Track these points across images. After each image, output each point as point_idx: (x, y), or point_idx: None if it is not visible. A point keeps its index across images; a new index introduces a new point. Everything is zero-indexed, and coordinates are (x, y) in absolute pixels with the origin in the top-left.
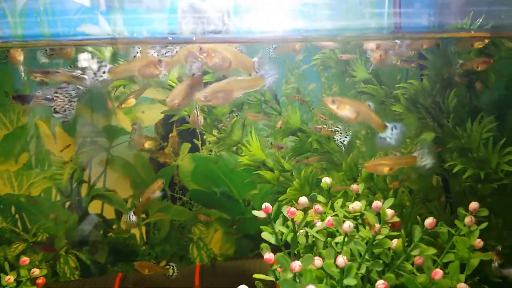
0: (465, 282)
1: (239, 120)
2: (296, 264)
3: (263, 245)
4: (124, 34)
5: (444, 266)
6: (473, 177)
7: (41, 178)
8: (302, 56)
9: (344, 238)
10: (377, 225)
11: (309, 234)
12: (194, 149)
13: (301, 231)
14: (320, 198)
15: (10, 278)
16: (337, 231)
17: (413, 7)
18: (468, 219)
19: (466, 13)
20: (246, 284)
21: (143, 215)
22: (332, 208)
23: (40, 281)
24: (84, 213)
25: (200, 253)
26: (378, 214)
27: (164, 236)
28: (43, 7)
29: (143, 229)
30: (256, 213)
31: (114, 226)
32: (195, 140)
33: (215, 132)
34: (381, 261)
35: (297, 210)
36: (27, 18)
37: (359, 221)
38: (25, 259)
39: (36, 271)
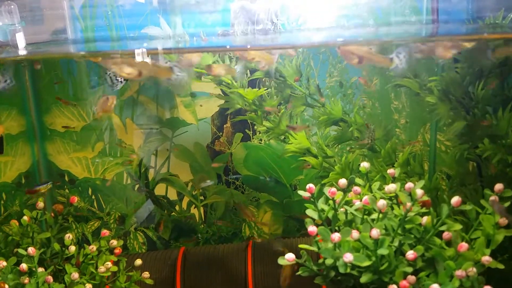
0: (493, 257)
1: (286, 111)
2: (336, 235)
3: (308, 219)
4: (184, 37)
5: (472, 242)
6: (502, 162)
7: (114, 164)
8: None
9: (378, 215)
10: (409, 204)
11: (348, 211)
12: (246, 138)
13: (341, 209)
14: (358, 180)
15: (93, 247)
16: (374, 209)
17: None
18: (492, 198)
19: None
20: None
21: (201, 197)
22: (370, 190)
23: (117, 251)
24: (150, 195)
25: (251, 232)
26: (410, 194)
27: (219, 216)
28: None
29: (201, 210)
30: (301, 193)
31: (177, 207)
32: (246, 130)
33: (265, 122)
34: (412, 236)
35: (337, 190)
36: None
37: (394, 201)
38: (105, 232)
39: (114, 242)
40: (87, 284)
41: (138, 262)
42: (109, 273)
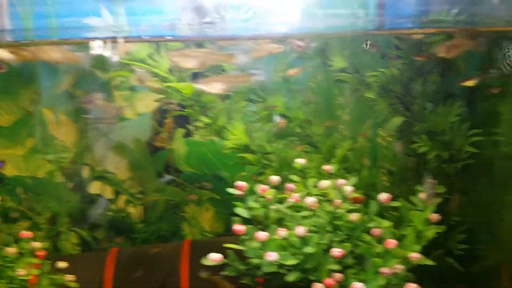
0: (427, 253)
1: (224, 107)
2: (261, 234)
3: (235, 218)
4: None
5: (403, 239)
6: (439, 158)
7: (46, 161)
8: (289, 48)
9: (307, 212)
10: (338, 200)
11: (277, 210)
12: (188, 134)
13: (274, 207)
14: (294, 177)
15: (13, 249)
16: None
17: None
18: (422, 195)
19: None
20: None
21: (140, 195)
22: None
23: (41, 253)
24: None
25: (192, 231)
26: (339, 192)
27: (159, 215)
28: None
29: (140, 208)
30: (231, 190)
31: (113, 206)
32: (188, 126)
33: (203, 118)
34: (342, 233)
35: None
36: None
37: (327, 197)
38: (26, 233)
39: (35, 244)
40: None
41: (62, 264)
42: (31, 277)
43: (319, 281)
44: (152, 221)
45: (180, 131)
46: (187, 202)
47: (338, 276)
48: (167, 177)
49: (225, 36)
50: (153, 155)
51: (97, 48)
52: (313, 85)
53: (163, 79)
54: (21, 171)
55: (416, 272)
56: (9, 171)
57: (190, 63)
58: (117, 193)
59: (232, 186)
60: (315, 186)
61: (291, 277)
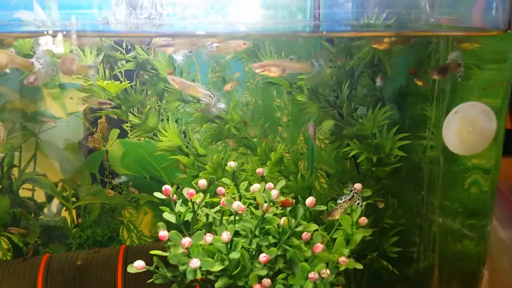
0: (362, 255)
1: (154, 107)
2: (186, 240)
3: (160, 223)
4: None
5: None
6: (368, 161)
7: None
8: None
9: (234, 216)
10: (265, 204)
11: (205, 214)
12: (123, 134)
13: (202, 212)
14: (226, 180)
15: None
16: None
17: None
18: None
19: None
20: None
21: (73, 199)
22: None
23: None
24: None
25: (130, 235)
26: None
27: (94, 219)
28: None
29: (74, 212)
30: (157, 194)
31: (45, 210)
32: (124, 126)
33: (132, 118)
34: (270, 237)
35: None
36: None
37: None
38: None
39: None
40: None
41: None
42: None
43: (249, 287)
44: (87, 226)
45: (115, 132)
46: (124, 205)
47: (266, 281)
48: (122, 178)
49: (163, 32)
50: (87, 156)
51: (45, 44)
52: (250, 86)
53: (85, 77)
54: None
55: (353, 275)
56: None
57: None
58: (49, 197)
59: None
60: (247, 190)
61: (219, 284)
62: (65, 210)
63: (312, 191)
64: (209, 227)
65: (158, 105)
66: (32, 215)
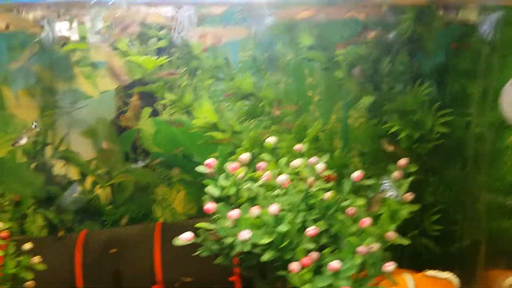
0: (403, 233)
1: (190, 84)
2: (233, 213)
3: (205, 197)
4: None
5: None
6: (409, 138)
7: (5, 140)
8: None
9: (280, 190)
10: (310, 178)
11: (249, 188)
12: (155, 113)
13: (246, 186)
14: (265, 156)
15: None
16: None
17: None
18: (395, 174)
19: None
20: None
21: (107, 176)
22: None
23: (4, 234)
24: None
25: (163, 213)
26: (311, 170)
27: (128, 197)
28: None
29: (108, 190)
30: (200, 168)
31: (79, 188)
32: (155, 105)
33: (168, 94)
34: (315, 211)
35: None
36: None
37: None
38: None
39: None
40: None
41: (27, 246)
42: None
43: (295, 260)
44: (121, 203)
45: (147, 110)
46: (157, 183)
47: (314, 255)
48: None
49: None
50: (119, 135)
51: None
52: (281, 65)
53: (123, 54)
54: None
55: (392, 252)
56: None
57: None
58: (83, 175)
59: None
60: (287, 165)
61: (266, 256)
62: (99, 188)
63: (349, 169)
64: (252, 201)
65: (193, 82)
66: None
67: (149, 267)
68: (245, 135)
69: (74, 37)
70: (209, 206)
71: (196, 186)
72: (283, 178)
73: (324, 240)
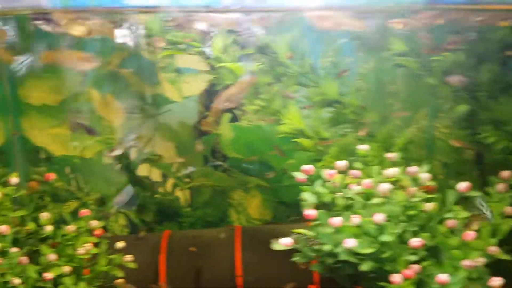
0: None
1: (279, 90)
2: (336, 220)
3: (305, 202)
4: None
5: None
6: (505, 149)
7: (94, 141)
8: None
9: (381, 200)
10: (413, 188)
11: (346, 196)
12: (234, 119)
13: (339, 193)
14: (356, 164)
15: (72, 227)
16: (374, 194)
17: None
18: (500, 186)
19: None
20: None
21: (187, 179)
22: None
23: (98, 232)
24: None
25: (239, 217)
26: (413, 179)
27: (206, 200)
28: None
29: (187, 192)
30: (297, 174)
31: (160, 189)
32: (235, 110)
33: (257, 100)
34: (416, 222)
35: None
36: None
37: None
38: (85, 211)
39: (94, 223)
40: (64, 267)
41: (120, 244)
42: (89, 255)
43: (395, 272)
44: (199, 206)
45: (227, 116)
46: (233, 188)
47: (416, 267)
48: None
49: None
50: (200, 139)
51: None
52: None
53: (217, 59)
54: (68, 151)
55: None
56: (57, 150)
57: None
58: (165, 177)
59: (279, 173)
60: (380, 174)
61: (365, 266)
62: (179, 190)
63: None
64: (348, 210)
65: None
66: (149, 193)
67: (230, 269)
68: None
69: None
70: (309, 212)
71: (271, 193)
72: (385, 186)
73: (421, 253)
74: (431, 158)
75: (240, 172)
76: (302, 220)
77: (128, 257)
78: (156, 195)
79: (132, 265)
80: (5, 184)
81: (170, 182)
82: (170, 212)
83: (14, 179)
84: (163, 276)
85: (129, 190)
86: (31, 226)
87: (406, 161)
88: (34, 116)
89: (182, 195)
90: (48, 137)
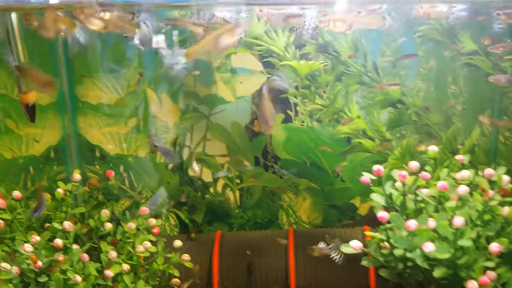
0: None
1: (342, 89)
2: (412, 223)
3: (375, 203)
4: None
5: None
6: None
7: (148, 140)
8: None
9: (457, 202)
10: (491, 192)
11: (418, 198)
12: (287, 119)
13: (409, 196)
14: (427, 167)
15: (132, 225)
16: (448, 197)
17: None
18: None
19: None
20: None
21: (237, 180)
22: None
23: (156, 230)
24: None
25: (289, 220)
26: (490, 182)
27: (256, 201)
28: None
29: (237, 193)
30: (366, 175)
31: (211, 189)
32: (288, 111)
33: (318, 100)
34: (491, 227)
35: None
36: None
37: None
38: (144, 209)
39: (153, 221)
40: (123, 264)
41: (178, 243)
42: (147, 254)
43: (471, 278)
44: (249, 207)
45: (280, 117)
46: (284, 190)
47: (492, 274)
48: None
49: None
50: (252, 140)
51: None
52: (423, 72)
53: (279, 58)
54: (123, 150)
55: None
56: (113, 149)
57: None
58: (216, 177)
59: (331, 176)
60: (450, 176)
61: (438, 273)
62: (229, 191)
63: None
64: (420, 213)
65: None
66: (199, 194)
67: (282, 271)
68: (395, 143)
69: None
70: (382, 214)
71: (322, 195)
72: (463, 189)
73: (496, 259)
74: (495, 161)
75: (291, 173)
76: (355, 224)
77: (186, 257)
78: (207, 196)
79: (189, 265)
80: (64, 181)
81: (221, 182)
82: (220, 213)
83: (76, 176)
84: (216, 276)
85: (162, 193)
86: (91, 223)
87: (471, 165)
88: (91, 114)
89: (232, 196)
90: (103, 135)
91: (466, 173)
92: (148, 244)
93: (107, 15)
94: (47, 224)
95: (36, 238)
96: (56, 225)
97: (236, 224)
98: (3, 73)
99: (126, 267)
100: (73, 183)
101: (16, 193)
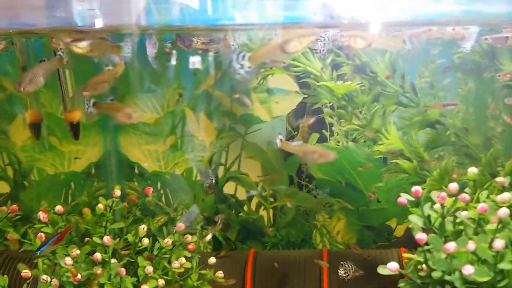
0: None
1: (379, 109)
2: (451, 245)
3: (414, 225)
4: None
5: None
6: None
7: (184, 159)
8: (438, 50)
9: (498, 225)
10: None
11: (457, 220)
12: (322, 139)
13: (448, 218)
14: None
15: (169, 241)
16: (488, 219)
17: None
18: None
19: None
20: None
21: (271, 199)
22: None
23: (191, 246)
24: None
25: (322, 240)
26: None
27: (289, 220)
28: None
29: (271, 212)
30: (404, 195)
31: (245, 207)
32: (323, 131)
33: (355, 120)
34: None
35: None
36: None
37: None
38: (181, 225)
39: (188, 237)
40: (159, 280)
41: (212, 260)
42: (182, 269)
43: None
44: (282, 226)
45: (315, 136)
46: (318, 210)
47: None
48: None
49: None
50: (286, 159)
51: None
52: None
53: (316, 78)
54: (160, 167)
55: None
56: (150, 166)
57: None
58: (250, 195)
59: (366, 197)
60: (490, 199)
61: None
62: (263, 209)
63: None
64: (459, 235)
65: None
66: (233, 211)
67: None
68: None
69: None
70: (421, 236)
71: (356, 215)
72: (504, 211)
73: None
74: None
75: (325, 193)
76: (390, 245)
77: (220, 274)
78: (241, 214)
79: (222, 281)
80: (104, 196)
81: (255, 201)
82: (254, 231)
83: (117, 192)
84: None
85: (194, 210)
86: (129, 238)
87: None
88: (131, 132)
89: (266, 215)
90: (142, 153)
91: (506, 196)
92: (183, 260)
93: None
94: (86, 239)
95: (76, 252)
96: (95, 239)
97: (269, 242)
98: (48, 93)
99: (161, 282)
100: (114, 199)
101: (59, 208)
